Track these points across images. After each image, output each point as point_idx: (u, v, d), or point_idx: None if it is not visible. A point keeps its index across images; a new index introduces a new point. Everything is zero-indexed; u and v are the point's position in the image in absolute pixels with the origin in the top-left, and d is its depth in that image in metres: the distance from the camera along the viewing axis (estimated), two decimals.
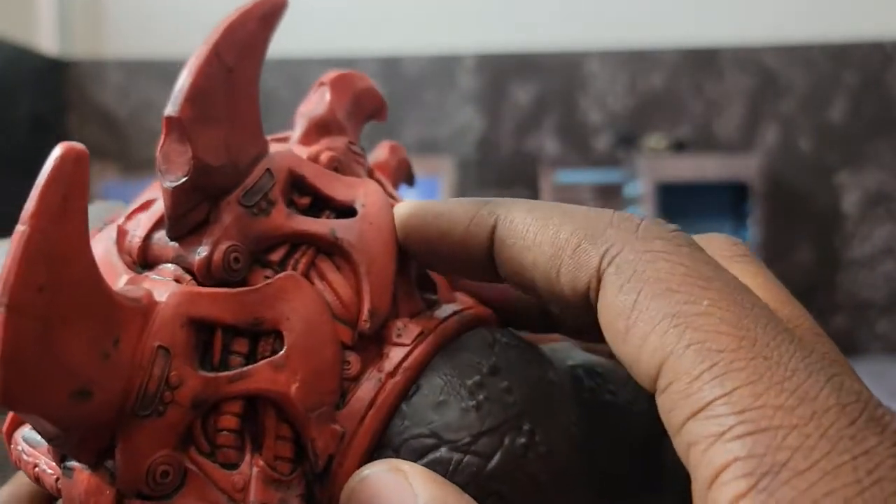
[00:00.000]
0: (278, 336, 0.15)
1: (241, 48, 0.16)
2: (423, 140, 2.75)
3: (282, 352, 0.15)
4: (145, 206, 0.17)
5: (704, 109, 2.54)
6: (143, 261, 0.16)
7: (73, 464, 0.15)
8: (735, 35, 2.50)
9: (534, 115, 2.64)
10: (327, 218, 0.17)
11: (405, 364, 0.15)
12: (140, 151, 2.90)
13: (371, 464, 0.14)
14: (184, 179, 0.15)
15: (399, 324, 0.16)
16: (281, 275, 0.15)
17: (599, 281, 0.13)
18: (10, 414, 0.16)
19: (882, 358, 2.23)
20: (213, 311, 0.15)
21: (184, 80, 0.16)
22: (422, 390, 0.15)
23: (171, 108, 0.16)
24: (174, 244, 0.16)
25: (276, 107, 2.93)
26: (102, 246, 0.17)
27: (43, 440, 0.15)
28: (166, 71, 2.88)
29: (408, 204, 0.17)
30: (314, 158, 0.19)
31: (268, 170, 0.17)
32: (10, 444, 0.16)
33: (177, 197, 0.15)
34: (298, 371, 0.15)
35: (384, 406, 0.15)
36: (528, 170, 2.72)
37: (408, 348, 0.16)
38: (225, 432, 0.15)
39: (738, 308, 0.12)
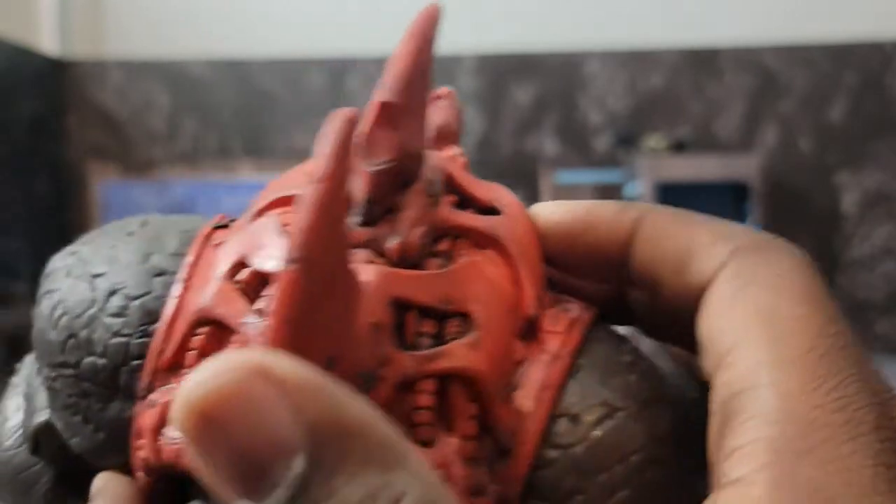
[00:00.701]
0: (464, 318, 0.16)
1: (432, 43, 0.18)
2: None
3: (474, 332, 0.15)
4: (285, 202, 0.17)
5: (704, 109, 2.54)
6: None
7: None
8: (735, 35, 2.50)
9: (534, 115, 2.64)
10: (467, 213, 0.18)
11: (565, 349, 0.16)
12: (140, 151, 2.90)
13: (217, 362, 0.11)
14: (390, 164, 0.16)
15: (549, 314, 0.17)
16: (463, 260, 0.16)
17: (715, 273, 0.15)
18: (158, 412, 0.16)
19: (882, 358, 2.23)
20: (411, 292, 0.15)
21: (398, 68, 0.17)
22: (584, 369, 0.16)
23: (386, 94, 0.16)
24: (365, 229, 0.16)
25: (275, 107, 2.95)
26: (266, 235, 0.17)
27: None
28: (166, 71, 2.88)
29: (549, 203, 0.18)
30: (452, 157, 0.20)
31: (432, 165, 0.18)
32: (154, 440, 0.16)
33: (379, 181, 0.16)
34: (489, 351, 0.15)
35: (555, 385, 0.16)
36: (528, 170, 2.72)
37: (562, 336, 0.16)
38: (422, 410, 0.15)
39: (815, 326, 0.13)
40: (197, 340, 0.16)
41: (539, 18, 2.62)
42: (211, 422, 0.10)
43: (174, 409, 0.11)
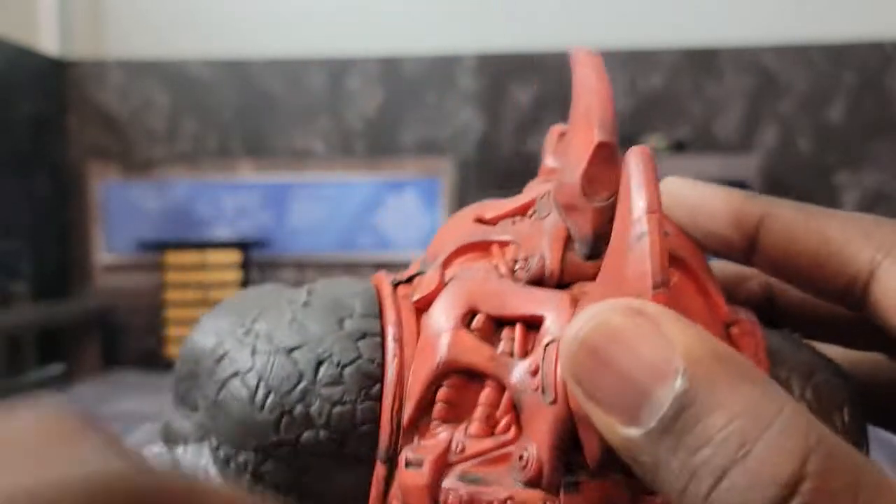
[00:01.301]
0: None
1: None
2: (423, 140, 2.75)
3: None
4: (467, 250, 0.18)
5: (704, 109, 2.54)
6: (560, 281, 0.17)
7: (579, 476, 0.15)
8: (735, 35, 2.50)
9: (534, 115, 2.64)
10: None
11: (760, 351, 0.17)
12: (140, 151, 2.90)
13: (598, 307, 0.13)
14: (612, 199, 0.16)
15: (734, 315, 0.18)
16: (673, 281, 0.17)
17: (871, 273, 0.15)
18: (430, 468, 0.16)
19: None
20: None
21: (607, 109, 0.18)
22: (774, 362, 0.17)
23: (603, 135, 0.17)
24: (592, 262, 0.17)
25: (275, 107, 2.95)
26: (488, 283, 0.17)
27: (477, 478, 0.16)
28: (166, 71, 2.88)
29: (683, 183, 0.18)
30: None
31: None
32: (433, 495, 0.16)
33: (604, 216, 0.16)
34: None
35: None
36: (528, 170, 2.71)
37: (751, 337, 0.17)
38: None
39: None
40: (443, 392, 0.16)
41: (539, 18, 2.62)
42: (599, 355, 0.12)
43: (563, 350, 0.13)
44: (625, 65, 2.57)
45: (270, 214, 3.03)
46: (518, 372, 0.15)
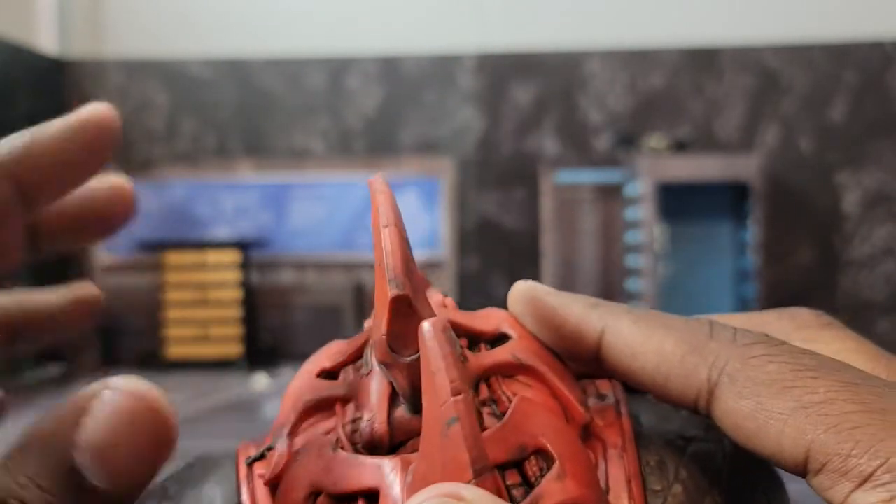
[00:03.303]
0: (538, 453, 0.16)
1: (399, 212, 0.18)
2: (423, 140, 2.75)
3: (555, 462, 0.16)
4: (322, 405, 0.18)
5: (704, 109, 2.54)
6: (393, 442, 0.17)
7: None
8: (735, 35, 2.50)
9: (534, 115, 2.64)
10: (483, 350, 0.18)
11: (627, 438, 0.17)
12: (139, 151, 2.90)
13: (424, 493, 0.13)
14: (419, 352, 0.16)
15: (593, 410, 0.18)
16: (515, 401, 0.17)
17: (711, 392, 0.15)
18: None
19: None
20: (493, 455, 0.16)
21: (395, 260, 0.17)
22: (642, 443, 0.17)
23: (395, 289, 0.16)
24: (418, 415, 0.17)
25: (275, 106, 2.94)
26: (322, 458, 0.17)
27: None
28: (166, 71, 2.88)
29: (528, 287, 0.19)
30: (444, 304, 0.21)
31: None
32: None
33: (417, 370, 0.16)
34: (575, 474, 0.16)
35: (637, 473, 0.17)
36: (528, 170, 2.72)
37: (616, 425, 0.17)
38: None
39: (851, 387, 0.14)
40: None
41: (539, 18, 2.61)
42: None
43: None
44: (625, 65, 2.56)
45: (270, 214, 3.03)
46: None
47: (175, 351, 2.72)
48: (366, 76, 2.67)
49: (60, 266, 2.79)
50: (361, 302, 2.76)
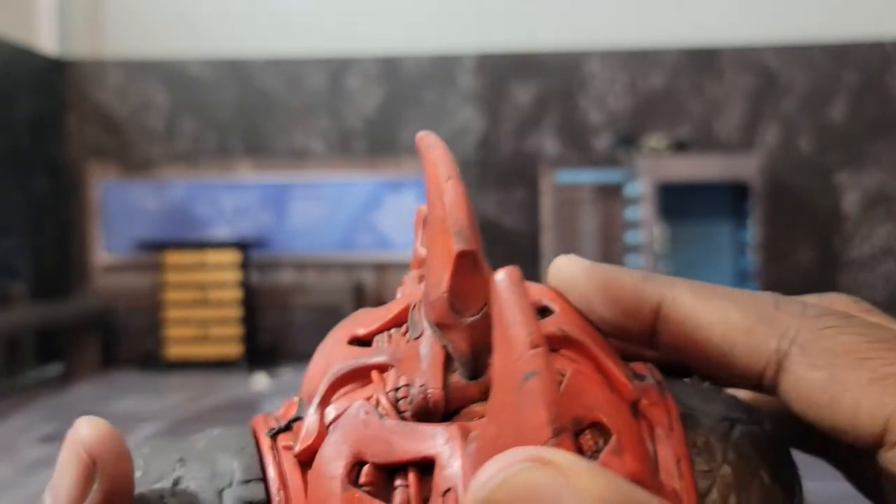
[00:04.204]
0: (593, 427, 0.16)
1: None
2: None
3: (612, 437, 0.15)
4: (357, 375, 0.17)
5: (704, 109, 2.54)
6: (447, 409, 0.16)
7: None
8: (735, 35, 2.50)
9: (534, 115, 2.64)
10: None
11: (673, 418, 0.17)
12: (139, 151, 2.90)
13: (500, 461, 0.12)
14: (485, 311, 0.15)
15: (639, 387, 0.17)
16: (568, 373, 0.16)
17: (779, 363, 0.15)
18: None
19: None
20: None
21: (460, 213, 0.16)
22: (687, 424, 0.17)
23: (462, 244, 0.16)
24: (475, 382, 0.16)
25: (275, 106, 2.94)
26: (369, 427, 0.16)
27: None
28: (166, 71, 2.88)
29: (575, 260, 0.18)
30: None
31: None
32: None
33: (479, 331, 0.16)
34: (632, 450, 0.15)
35: (685, 454, 0.16)
36: (528, 170, 2.72)
37: (661, 405, 0.17)
38: None
39: None
40: None
41: (539, 18, 2.61)
42: None
43: None
44: (625, 65, 2.56)
45: (269, 214, 3.03)
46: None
47: (175, 351, 2.72)
48: (366, 76, 2.66)
49: (60, 266, 2.79)
50: (361, 302, 2.75)
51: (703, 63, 2.55)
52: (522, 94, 2.63)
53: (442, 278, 0.16)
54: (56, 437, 1.64)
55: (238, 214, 2.90)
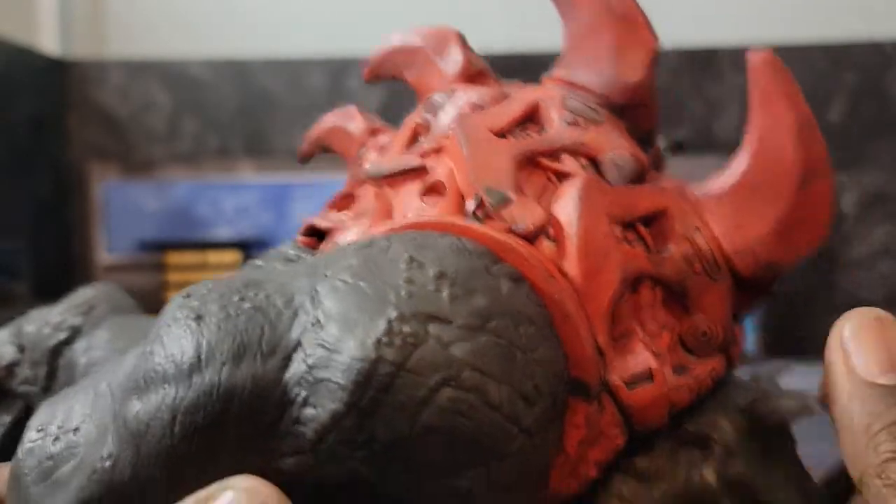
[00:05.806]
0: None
1: None
2: None
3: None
4: (545, 158, 0.20)
5: (704, 109, 2.54)
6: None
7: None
8: (735, 35, 2.50)
9: None
10: None
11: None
12: (140, 151, 2.90)
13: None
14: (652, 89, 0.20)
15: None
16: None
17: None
18: (661, 376, 0.17)
19: None
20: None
21: (636, 6, 0.20)
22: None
23: (654, 38, 0.20)
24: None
25: (276, 107, 2.95)
26: (605, 191, 0.18)
27: None
28: (167, 71, 2.88)
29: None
30: None
31: None
32: (670, 397, 0.18)
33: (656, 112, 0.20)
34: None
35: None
36: None
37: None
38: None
39: None
40: (618, 308, 0.17)
41: (539, 18, 2.61)
42: (879, 325, 0.18)
43: (844, 327, 0.19)
44: None
45: (270, 214, 3.02)
46: (671, 263, 0.16)
47: None
48: None
49: (62, 266, 2.79)
50: None
51: (702, 63, 2.56)
52: None
53: (637, 66, 0.20)
54: None
55: (239, 215, 2.90)
